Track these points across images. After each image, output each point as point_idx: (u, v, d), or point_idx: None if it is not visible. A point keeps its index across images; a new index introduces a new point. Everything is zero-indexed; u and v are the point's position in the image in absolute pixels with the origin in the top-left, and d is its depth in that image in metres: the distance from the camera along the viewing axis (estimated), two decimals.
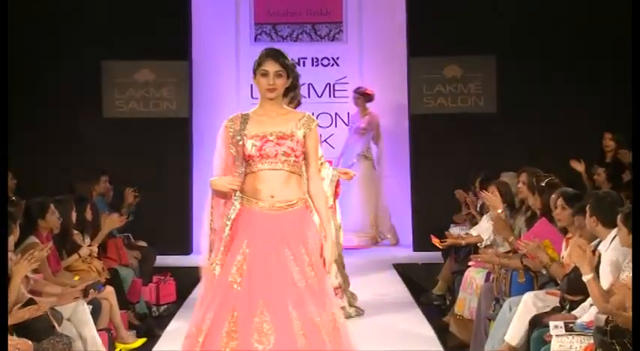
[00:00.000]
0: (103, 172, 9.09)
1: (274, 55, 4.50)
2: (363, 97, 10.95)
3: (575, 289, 5.48)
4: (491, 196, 7.23)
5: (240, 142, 4.45)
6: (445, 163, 10.21)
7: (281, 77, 4.48)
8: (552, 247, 6.15)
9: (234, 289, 4.32)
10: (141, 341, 7.14)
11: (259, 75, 4.49)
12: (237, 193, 4.46)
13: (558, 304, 5.76)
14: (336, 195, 7.12)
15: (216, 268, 4.39)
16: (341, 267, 7.27)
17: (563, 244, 6.20)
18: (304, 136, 4.51)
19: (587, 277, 5.13)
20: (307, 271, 4.39)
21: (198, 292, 4.71)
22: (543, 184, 6.83)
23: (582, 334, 5.12)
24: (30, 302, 5.51)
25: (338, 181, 7.15)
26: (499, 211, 7.12)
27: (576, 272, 5.37)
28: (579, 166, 8.90)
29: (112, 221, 7.91)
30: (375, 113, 11.09)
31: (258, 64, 4.50)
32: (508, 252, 6.93)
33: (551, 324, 5.23)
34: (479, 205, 8.45)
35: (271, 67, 4.46)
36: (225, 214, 4.49)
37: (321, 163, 6.84)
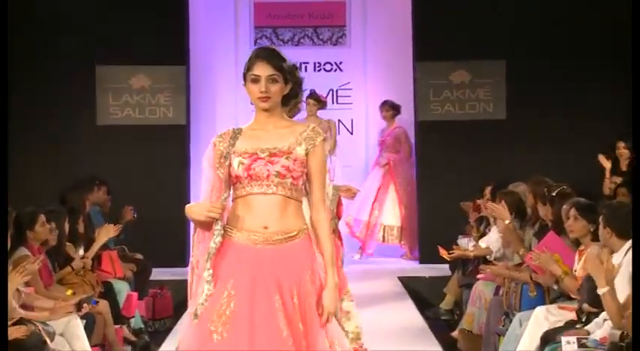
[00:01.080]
0: (99, 182, 9.08)
1: (266, 57, 3.85)
2: (318, 103, 10.53)
3: (596, 300, 5.44)
4: (498, 208, 7.22)
5: (227, 162, 3.82)
6: (453, 173, 10.20)
7: (276, 83, 3.83)
8: (562, 261, 6.14)
9: (213, 340, 3.69)
10: None
11: (249, 81, 3.87)
12: (219, 223, 3.79)
13: (573, 318, 5.74)
14: (339, 216, 6.74)
15: (196, 316, 3.75)
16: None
17: (576, 256, 6.19)
18: (306, 154, 3.84)
19: (602, 290, 5.12)
20: (296, 324, 3.71)
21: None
22: (554, 194, 6.82)
23: None
24: (21, 321, 5.52)
25: (340, 199, 6.77)
26: (506, 222, 7.10)
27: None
28: (606, 163, 8.87)
29: (106, 232, 7.91)
30: (332, 122, 10.73)
31: (248, 67, 3.88)
32: (519, 264, 6.92)
33: (564, 340, 5.23)
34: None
35: (263, 70, 3.83)
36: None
37: None
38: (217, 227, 3.79)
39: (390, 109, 10.83)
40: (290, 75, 3.88)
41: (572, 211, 6.17)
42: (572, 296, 6.01)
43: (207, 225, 3.81)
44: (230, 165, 3.81)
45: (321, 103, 10.48)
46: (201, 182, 3.93)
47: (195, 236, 3.87)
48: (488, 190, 8.32)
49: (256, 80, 3.84)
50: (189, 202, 10.77)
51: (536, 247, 6.55)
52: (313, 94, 10.45)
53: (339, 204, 6.52)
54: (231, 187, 3.87)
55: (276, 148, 3.82)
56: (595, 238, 5.96)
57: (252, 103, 3.97)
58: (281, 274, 3.75)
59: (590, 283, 5.52)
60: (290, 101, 3.98)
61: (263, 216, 3.80)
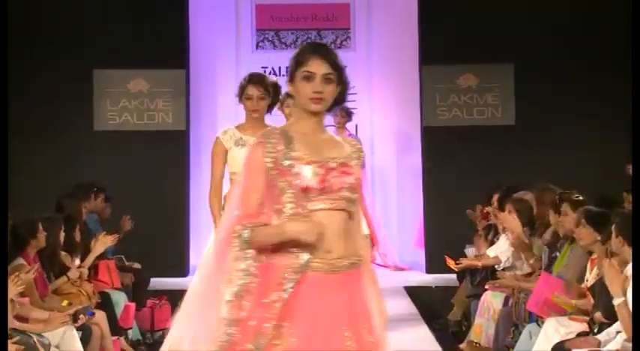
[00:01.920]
0: (96, 189, 9.08)
1: (323, 53, 3.50)
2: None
3: (609, 311, 5.41)
4: (509, 219, 7.19)
5: (288, 168, 3.35)
6: (460, 179, 10.19)
7: (330, 83, 3.46)
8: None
9: None
10: None
11: (300, 78, 3.44)
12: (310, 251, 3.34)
13: (584, 329, 5.73)
14: None
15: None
16: None
17: (588, 265, 6.18)
18: None
19: (617, 301, 5.12)
20: None
21: None
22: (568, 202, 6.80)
23: None
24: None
25: None
26: (517, 232, 7.08)
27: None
28: None
29: (103, 241, 7.89)
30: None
31: (299, 63, 3.46)
32: (528, 274, 6.90)
33: None
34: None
35: (318, 68, 3.45)
36: (281, 276, 3.31)
37: None
38: (306, 256, 3.34)
39: (345, 115, 10.76)
40: (342, 76, 3.53)
41: (582, 219, 6.17)
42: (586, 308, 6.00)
43: (284, 249, 3.34)
44: (297, 174, 3.34)
45: None
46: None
47: (264, 257, 3.36)
48: (495, 198, 8.31)
49: (310, 78, 3.44)
50: (188, 211, 10.68)
51: (532, 295, 6.45)
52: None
53: None
54: (290, 202, 3.36)
55: (347, 158, 3.46)
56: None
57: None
58: (349, 304, 3.36)
59: (604, 293, 5.51)
60: (336, 106, 3.55)
61: (328, 237, 3.34)
